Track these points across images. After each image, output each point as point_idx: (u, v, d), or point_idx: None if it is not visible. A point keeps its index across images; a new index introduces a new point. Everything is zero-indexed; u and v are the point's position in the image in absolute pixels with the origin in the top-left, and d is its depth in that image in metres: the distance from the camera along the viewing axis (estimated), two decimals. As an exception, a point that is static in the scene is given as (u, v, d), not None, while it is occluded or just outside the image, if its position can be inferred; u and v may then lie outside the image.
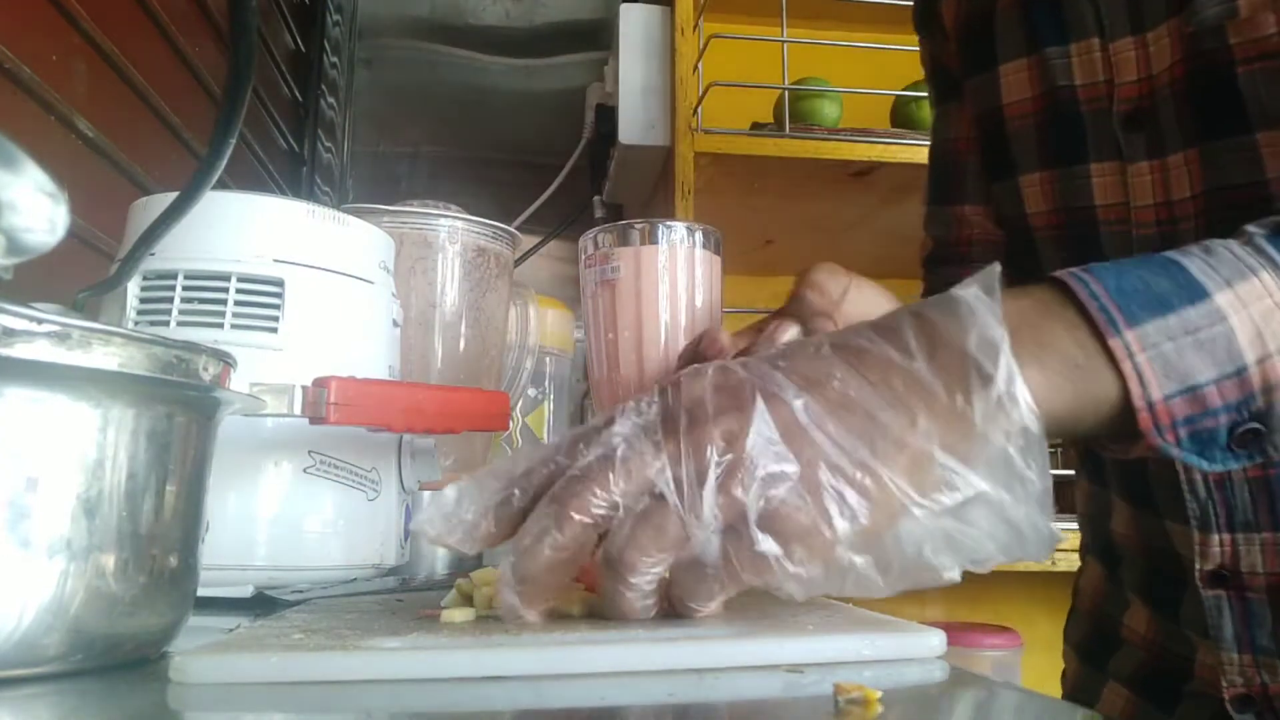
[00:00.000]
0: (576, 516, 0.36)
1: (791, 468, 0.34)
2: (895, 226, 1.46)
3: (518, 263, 0.84)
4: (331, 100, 1.44)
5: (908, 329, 0.36)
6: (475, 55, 1.60)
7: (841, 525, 0.34)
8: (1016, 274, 0.54)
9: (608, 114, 1.41)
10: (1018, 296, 0.38)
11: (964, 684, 0.34)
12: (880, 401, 0.35)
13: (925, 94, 1.33)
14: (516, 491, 0.38)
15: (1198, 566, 0.57)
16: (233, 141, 0.44)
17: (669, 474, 0.35)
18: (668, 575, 0.37)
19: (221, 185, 0.46)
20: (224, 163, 0.44)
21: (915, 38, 0.79)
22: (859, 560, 0.35)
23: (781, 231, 1.56)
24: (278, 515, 0.53)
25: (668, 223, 0.60)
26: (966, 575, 0.36)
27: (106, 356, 0.32)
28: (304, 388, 0.48)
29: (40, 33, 0.62)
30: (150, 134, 0.79)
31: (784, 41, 1.30)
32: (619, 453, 0.36)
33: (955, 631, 1.27)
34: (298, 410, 0.47)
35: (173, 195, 0.46)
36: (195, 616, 0.39)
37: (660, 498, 0.35)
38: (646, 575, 0.36)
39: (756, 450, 0.35)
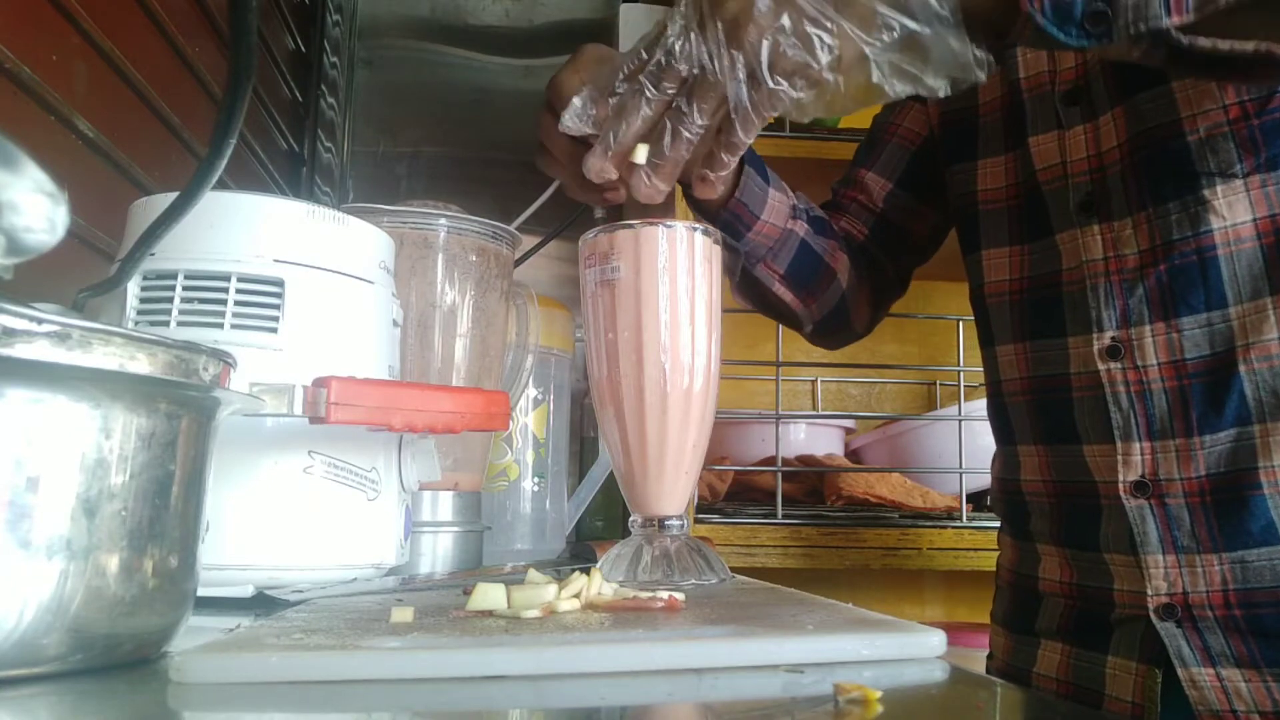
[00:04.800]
0: (654, 95, 0.54)
1: (786, 24, 0.50)
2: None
3: (518, 263, 0.84)
4: (331, 100, 1.44)
5: None
6: (475, 55, 1.60)
7: (823, 58, 0.50)
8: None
9: (608, 114, 1.40)
10: None
11: (964, 684, 0.34)
12: None
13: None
14: (620, 88, 0.56)
15: (1121, 479, 0.65)
16: (233, 141, 0.44)
17: (706, 51, 0.52)
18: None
19: (221, 185, 0.46)
20: (224, 163, 0.44)
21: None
22: (837, 80, 0.50)
23: (781, 231, 1.56)
24: (278, 515, 0.53)
25: (668, 223, 0.60)
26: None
27: (106, 356, 0.32)
28: (304, 388, 0.47)
29: (40, 33, 0.62)
30: (150, 134, 0.79)
31: (784, 41, 1.30)
32: (676, 47, 0.53)
33: (955, 631, 1.27)
34: (298, 410, 0.47)
35: (173, 195, 0.46)
36: (195, 616, 0.39)
37: (704, 70, 0.52)
38: (699, 122, 0.54)
39: (759, 18, 0.50)
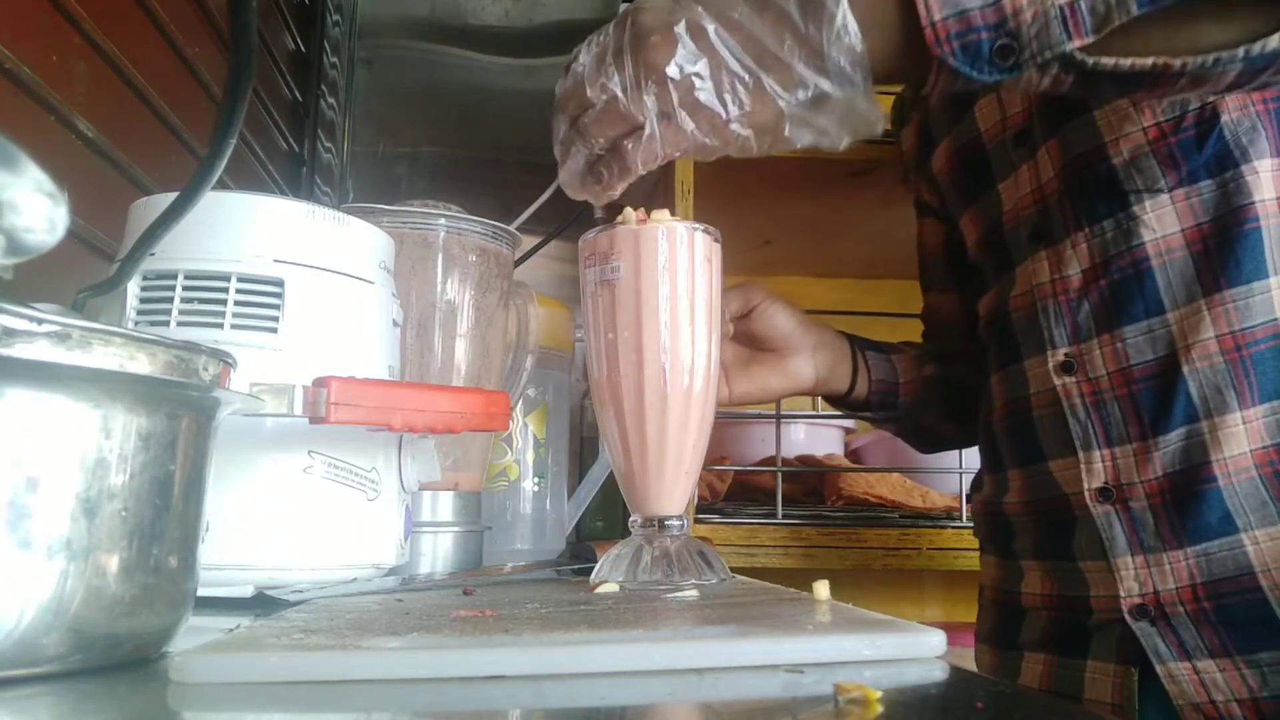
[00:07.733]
0: (569, 126, 0.57)
1: (704, 69, 0.51)
2: (893, 227, 1.46)
3: (518, 263, 0.84)
4: (331, 100, 1.44)
5: None
6: (475, 55, 1.60)
7: (732, 110, 0.52)
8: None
9: (607, 114, 1.40)
10: None
11: (963, 684, 0.34)
12: (765, 29, 0.51)
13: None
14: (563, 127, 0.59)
15: (1086, 487, 0.69)
16: (233, 141, 0.44)
17: (619, 85, 0.53)
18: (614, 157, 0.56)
19: (221, 185, 0.46)
20: (224, 163, 0.44)
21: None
22: (743, 132, 0.53)
23: (780, 231, 1.56)
24: (278, 515, 0.53)
25: (668, 223, 0.60)
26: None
27: (106, 356, 0.32)
28: (304, 388, 0.47)
29: (40, 33, 0.62)
30: (150, 134, 0.79)
31: (784, 41, 1.30)
32: (585, 74, 0.55)
33: (955, 631, 1.26)
34: (298, 410, 0.47)
35: (173, 195, 0.46)
36: (195, 616, 0.39)
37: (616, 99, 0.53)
38: (599, 141, 0.55)
39: (680, 60, 0.51)
